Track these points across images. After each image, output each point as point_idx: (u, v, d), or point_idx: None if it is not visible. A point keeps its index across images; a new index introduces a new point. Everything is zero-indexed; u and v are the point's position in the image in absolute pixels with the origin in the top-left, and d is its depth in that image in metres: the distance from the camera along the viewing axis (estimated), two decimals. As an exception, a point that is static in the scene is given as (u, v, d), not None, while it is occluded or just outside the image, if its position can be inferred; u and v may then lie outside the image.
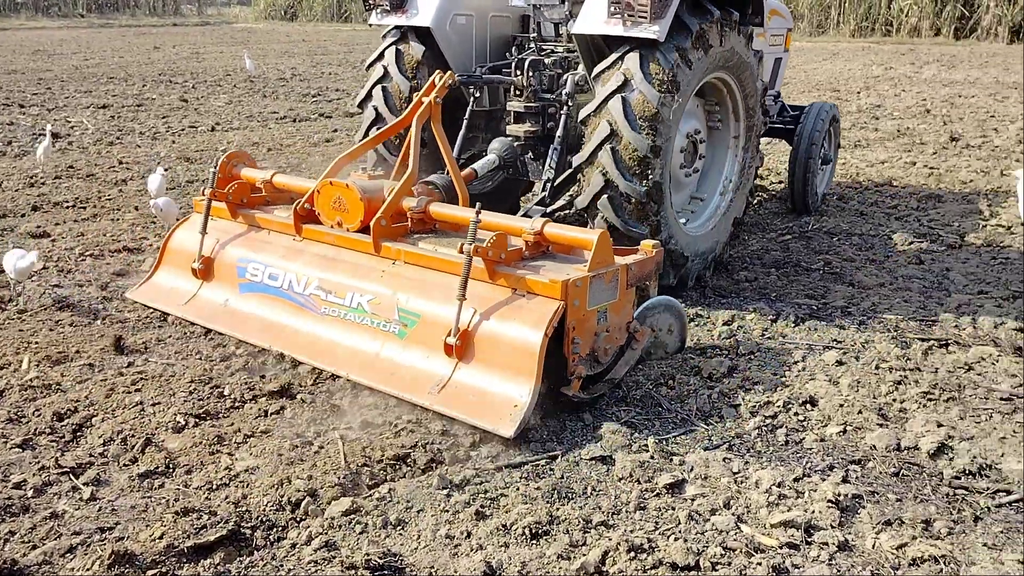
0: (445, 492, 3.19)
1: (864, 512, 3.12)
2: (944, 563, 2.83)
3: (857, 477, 3.37)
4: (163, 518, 2.99)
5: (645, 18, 4.56)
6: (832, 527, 3.02)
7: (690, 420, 3.83)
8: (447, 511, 3.08)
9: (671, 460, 3.47)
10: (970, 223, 6.85)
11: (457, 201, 4.67)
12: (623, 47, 4.76)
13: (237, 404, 3.90)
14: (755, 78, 5.52)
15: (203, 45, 24.89)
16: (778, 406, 3.90)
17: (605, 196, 4.76)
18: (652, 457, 3.46)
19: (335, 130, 11.22)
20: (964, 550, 2.91)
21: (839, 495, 3.17)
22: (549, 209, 5.18)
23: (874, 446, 3.58)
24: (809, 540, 2.95)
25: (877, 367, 4.27)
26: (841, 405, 3.87)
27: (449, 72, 4.95)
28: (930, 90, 15.39)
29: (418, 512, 3.09)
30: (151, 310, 4.95)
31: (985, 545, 2.94)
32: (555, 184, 5.19)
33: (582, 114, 4.86)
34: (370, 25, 5.96)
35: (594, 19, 4.79)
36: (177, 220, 5.53)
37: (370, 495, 3.19)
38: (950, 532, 3.01)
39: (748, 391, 4.05)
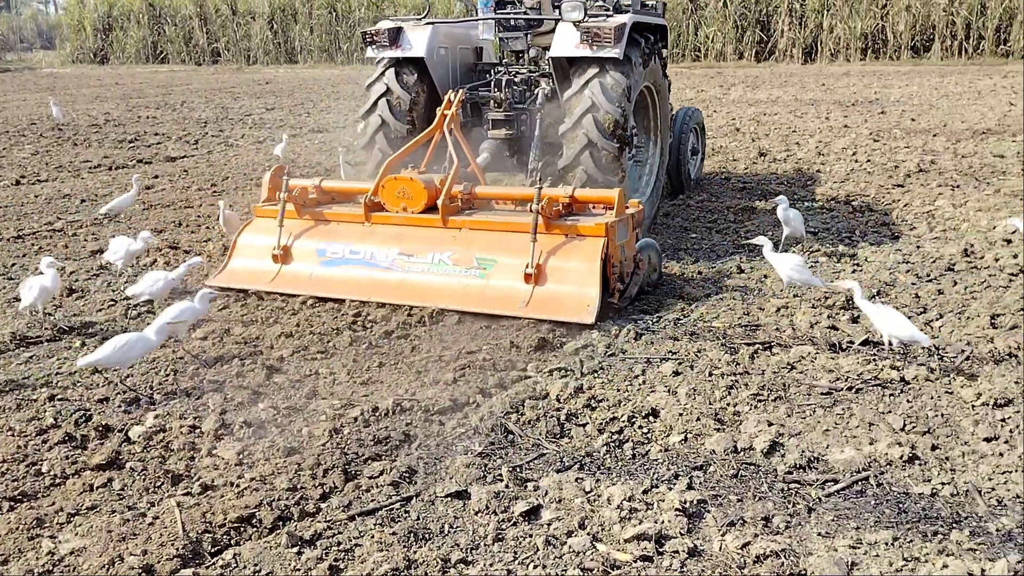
0: (295, 550, 3.05)
1: (709, 516, 3.24)
2: (785, 556, 2.98)
3: (700, 483, 3.51)
4: (-25, 619, 2.69)
5: (609, 43, 6.08)
6: (681, 534, 3.12)
7: (541, 444, 3.87)
8: (299, 570, 2.95)
9: (526, 487, 3.49)
10: (781, 232, 7.35)
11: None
12: (592, 65, 6.23)
13: (58, 481, 3.59)
14: (666, 87, 7.47)
15: (3, 93, 23.10)
16: (623, 421, 4.01)
17: (587, 152, 6.20)
18: (507, 486, 3.46)
19: (156, 176, 10.66)
20: (801, 541, 3.08)
21: (685, 502, 3.28)
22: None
23: (713, 451, 3.75)
24: (661, 550, 3.04)
25: (710, 374, 4.48)
26: (681, 414, 4.03)
27: (461, 90, 6.39)
28: (738, 110, 16.51)
29: (267, 575, 2.94)
30: (-48, 386, 4.50)
31: (819, 534, 3.12)
32: (539, 169, 6.57)
33: (565, 95, 6.32)
34: (368, 59, 7.17)
35: (567, 45, 6.25)
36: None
37: (213, 563, 3.00)
38: (788, 526, 3.18)
39: (594, 409, 4.15)
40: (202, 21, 35.45)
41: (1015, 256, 6.29)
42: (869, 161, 10.71)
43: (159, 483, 3.55)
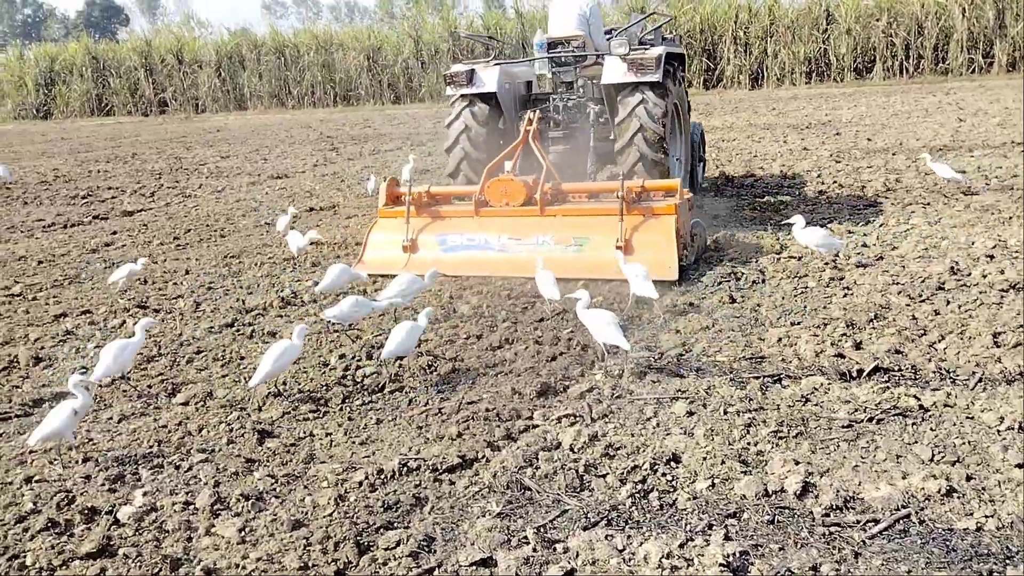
0: (319, 638, 2.80)
1: (754, 569, 3.07)
2: (842, 608, 2.81)
3: (737, 532, 3.34)
4: None
5: (651, 70, 7.71)
6: (730, 592, 2.94)
7: (562, 499, 3.66)
8: (325, 661, 2.69)
9: (554, 549, 3.28)
10: (766, 259, 7.29)
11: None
12: (638, 88, 7.85)
13: (45, 574, 3.28)
14: (687, 103, 9.24)
15: (-58, 153, 22.38)
16: (645, 469, 3.83)
17: (639, 135, 7.83)
18: (535, 550, 3.25)
19: (114, 232, 10.29)
20: (856, 590, 2.92)
21: (727, 555, 3.11)
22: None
23: (744, 495, 3.58)
24: (712, 611, 2.85)
25: (725, 412, 4.33)
26: (704, 458, 3.86)
27: (537, 110, 8.17)
28: (697, 137, 16.61)
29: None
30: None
31: (872, 581, 2.97)
32: (592, 176, 8.50)
33: (619, 112, 7.96)
34: (448, 96, 8.71)
35: (617, 73, 7.91)
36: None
37: (231, 661, 2.73)
38: (838, 574, 3.02)
39: (612, 457, 3.96)
40: (147, 71, 35.05)
41: (1002, 271, 6.30)
42: (836, 183, 10.81)
43: (157, 570, 3.27)
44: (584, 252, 6.89)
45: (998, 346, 4.96)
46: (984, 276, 6.27)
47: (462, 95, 8.45)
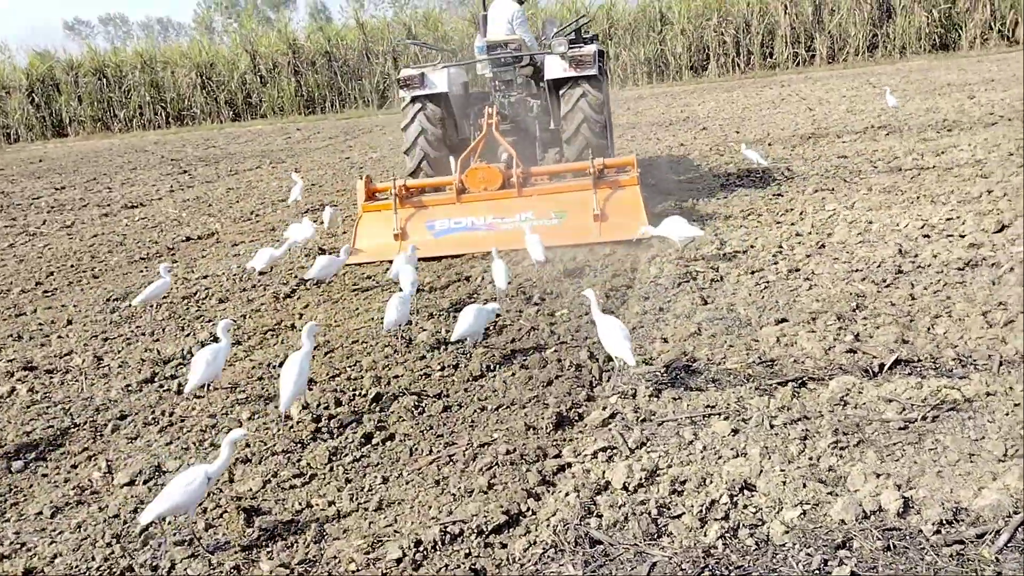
0: None
1: (906, 607, 2.72)
2: (1030, 642, 2.51)
3: (857, 564, 2.99)
4: None
5: (589, 65, 8.61)
6: (898, 640, 2.57)
7: (643, 551, 3.19)
8: None
9: (669, 614, 2.81)
10: (711, 253, 7.10)
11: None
12: (579, 81, 8.73)
13: None
14: (608, 94, 9.84)
15: None
16: (723, 503, 3.42)
17: (584, 124, 8.74)
18: (650, 619, 2.77)
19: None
20: (1028, 617, 2.64)
21: (871, 596, 2.75)
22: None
23: (843, 520, 3.25)
24: (896, 669, 2.47)
25: (771, 426, 4.00)
26: (784, 482, 3.49)
27: (495, 105, 9.03)
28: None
29: None
30: None
31: (1037, 603, 2.69)
32: (542, 161, 9.34)
33: (564, 101, 8.86)
34: (402, 99, 9.30)
35: (558, 70, 8.78)
36: None
37: None
38: (997, 600, 2.73)
39: (680, 493, 3.53)
40: (-55, 100, 31.34)
41: (949, 250, 6.38)
42: (731, 175, 10.88)
43: None
44: (563, 223, 7.76)
45: (990, 326, 4.93)
46: (935, 256, 6.32)
47: (413, 97, 9.02)
